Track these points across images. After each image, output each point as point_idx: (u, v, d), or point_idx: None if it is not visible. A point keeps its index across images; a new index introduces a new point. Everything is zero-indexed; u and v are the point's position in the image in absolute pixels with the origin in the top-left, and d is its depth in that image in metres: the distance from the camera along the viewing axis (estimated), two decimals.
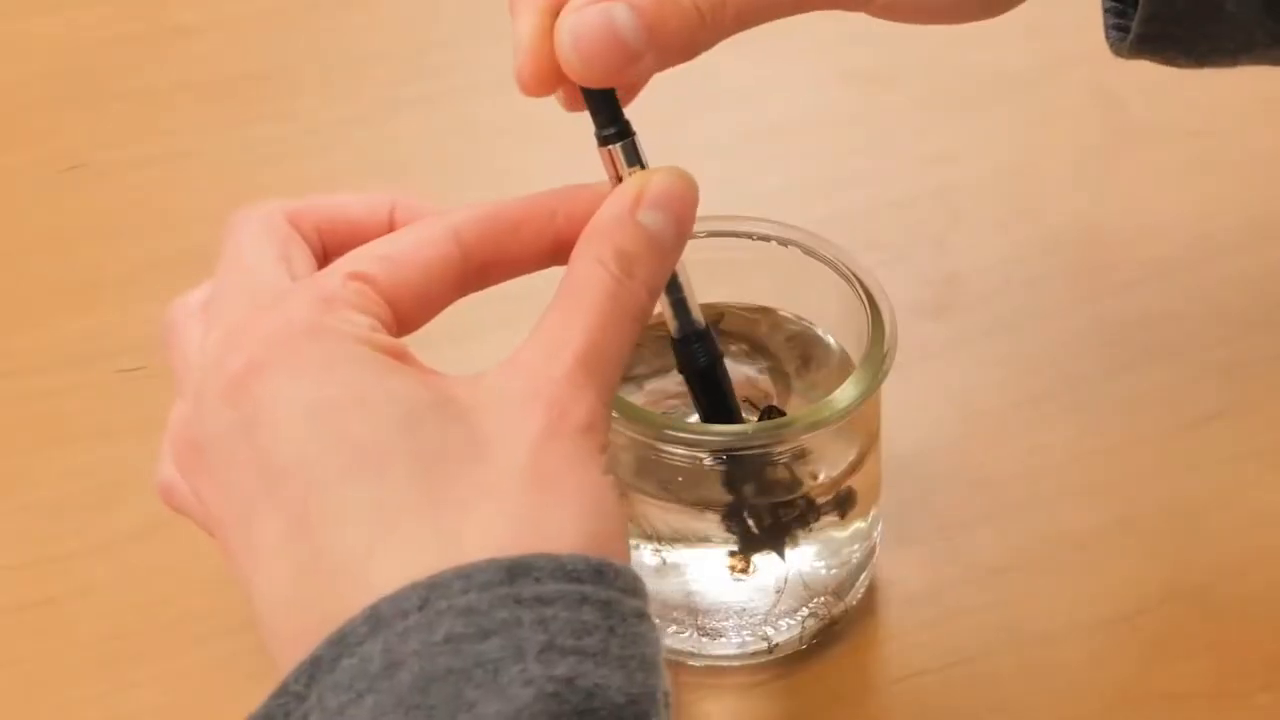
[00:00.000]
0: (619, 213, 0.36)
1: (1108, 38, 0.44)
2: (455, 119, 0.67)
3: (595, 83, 0.36)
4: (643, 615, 0.32)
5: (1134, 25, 0.41)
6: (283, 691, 0.30)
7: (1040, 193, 0.61)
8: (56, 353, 0.56)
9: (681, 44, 0.36)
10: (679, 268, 0.39)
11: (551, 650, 0.29)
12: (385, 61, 0.71)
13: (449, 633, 0.29)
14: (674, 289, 0.39)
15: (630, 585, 0.32)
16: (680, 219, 0.36)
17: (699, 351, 0.40)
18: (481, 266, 0.36)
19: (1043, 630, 0.46)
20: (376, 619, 0.30)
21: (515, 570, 0.30)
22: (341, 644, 0.30)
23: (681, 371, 0.41)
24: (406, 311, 0.36)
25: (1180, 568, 0.48)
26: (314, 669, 0.30)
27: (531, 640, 0.29)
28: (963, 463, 0.52)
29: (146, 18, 0.73)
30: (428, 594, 0.30)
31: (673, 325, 0.40)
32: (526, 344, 0.35)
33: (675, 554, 0.43)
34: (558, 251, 0.36)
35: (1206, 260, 0.58)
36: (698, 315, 0.40)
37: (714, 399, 0.41)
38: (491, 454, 0.32)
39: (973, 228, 0.61)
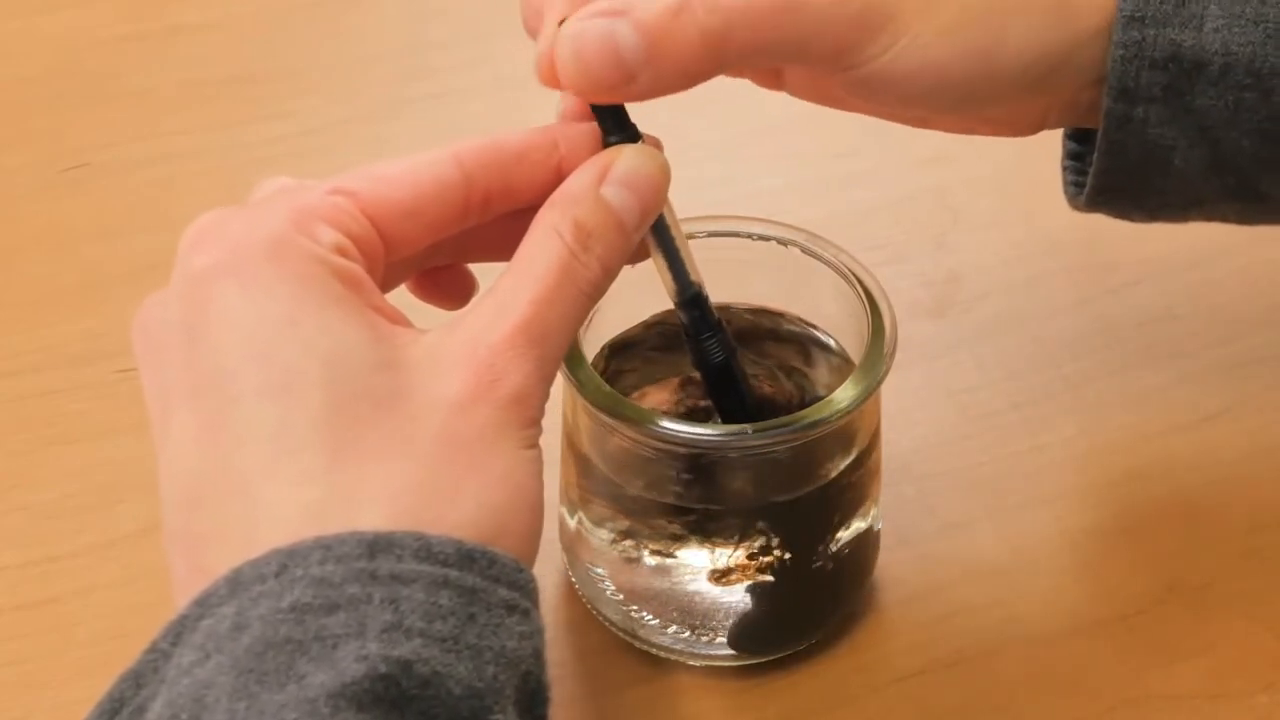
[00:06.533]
0: (583, 185, 0.36)
1: (1066, 192, 0.45)
2: (455, 119, 0.67)
3: (587, 97, 0.36)
4: (514, 608, 0.31)
5: (1089, 178, 0.42)
6: (152, 649, 0.30)
7: (1040, 193, 0.61)
8: (56, 353, 0.56)
9: (679, 71, 0.36)
10: (694, 264, 0.39)
11: (397, 631, 0.29)
12: (385, 61, 0.71)
13: (295, 602, 0.29)
14: (686, 285, 0.40)
15: (508, 576, 0.31)
16: (645, 200, 0.36)
17: (714, 348, 0.41)
18: (484, 194, 0.36)
19: (1043, 630, 0.47)
20: (237, 581, 0.30)
21: (377, 546, 0.30)
22: (204, 604, 0.30)
23: (697, 367, 0.42)
24: (395, 230, 0.35)
25: (1180, 568, 0.48)
26: (180, 627, 0.30)
27: (376, 619, 0.29)
28: (963, 463, 0.52)
29: (146, 18, 0.73)
30: (286, 561, 0.30)
31: (687, 322, 0.40)
32: (474, 307, 0.34)
33: (673, 554, 0.43)
34: (559, 183, 0.36)
35: (1206, 260, 0.59)
36: (711, 311, 0.40)
37: (729, 393, 0.42)
38: (409, 409, 0.32)
39: (973, 228, 0.61)
